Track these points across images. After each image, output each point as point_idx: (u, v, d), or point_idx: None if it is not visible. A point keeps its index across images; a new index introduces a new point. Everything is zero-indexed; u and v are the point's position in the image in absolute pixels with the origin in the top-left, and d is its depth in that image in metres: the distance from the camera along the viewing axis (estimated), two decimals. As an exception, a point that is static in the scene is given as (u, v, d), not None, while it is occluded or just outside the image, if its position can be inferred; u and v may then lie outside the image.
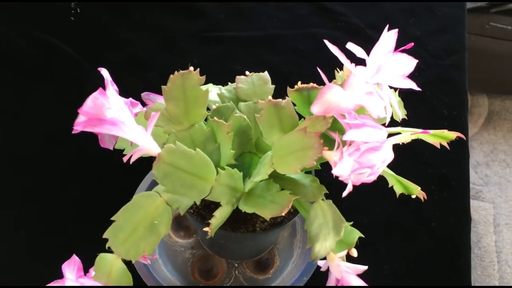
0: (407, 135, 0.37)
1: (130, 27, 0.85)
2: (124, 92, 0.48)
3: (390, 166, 0.56)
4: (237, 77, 0.49)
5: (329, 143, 0.40)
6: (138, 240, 0.39)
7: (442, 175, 0.68)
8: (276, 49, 0.83)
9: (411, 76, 0.87)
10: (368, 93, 0.38)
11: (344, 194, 0.38)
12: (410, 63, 0.37)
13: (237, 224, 0.49)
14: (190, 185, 0.39)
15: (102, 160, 0.63)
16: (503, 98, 1.62)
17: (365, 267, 0.43)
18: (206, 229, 0.40)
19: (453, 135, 0.46)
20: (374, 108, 0.38)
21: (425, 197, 0.51)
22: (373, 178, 0.37)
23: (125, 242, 0.39)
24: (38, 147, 0.69)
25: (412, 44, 0.39)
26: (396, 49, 0.40)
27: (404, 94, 0.77)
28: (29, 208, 0.63)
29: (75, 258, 0.40)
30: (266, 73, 0.49)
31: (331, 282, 0.44)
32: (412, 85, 0.39)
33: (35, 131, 0.71)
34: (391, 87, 0.52)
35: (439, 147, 0.48)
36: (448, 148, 0.48)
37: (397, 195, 0.52)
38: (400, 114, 0.41)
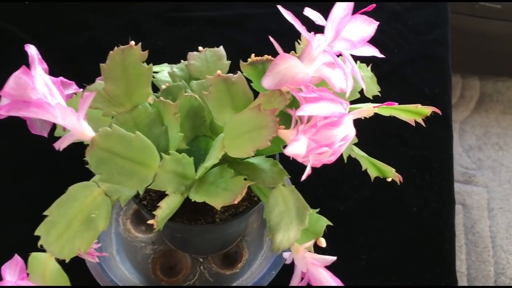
0: (369, 108, 0.34)
1: (90, 9, 0.81)
2: (84, 78, 0.44)
3: (368, 148, 0.53)
4: (189, 53, 0.45)
5: (289, 122, 0.36)
6: (73, 237, 0.35)
7: (424, 157, 0.64)
8: (247, 29, 0.79)
9: (391, 53, 0.83)
10: (328, 64, 0.34)
11: (303, 177, 0.34)
12: (369, 26, 0.33)
13: (195, 216, 0.45)
14: (130, 172, 0.35)
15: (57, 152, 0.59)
16: (495, 79, 1.59)
17: (334, 258, 0.40)
18: (151, 221, 0.36)
19: (427, 110, 0.43)
20: (335, 80, 0.34)
21: (401, 180, 0.48)
22: (333, 158, 0.33)
23: (59, 240, 0.35)
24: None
25: (374, 5, 0.35)
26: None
27: (384, 72, 0.74)
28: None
29: (17, 259, 0.36)
30: (221, 48, 0.45)
31: (296, 275, 0.40)
32: (374, 52, 0.35)
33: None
34: (358, 60, 0.49)
35: (414, 124, 0.45)
36: (424, 125, 0.44)
37: (372, 179, 0.49)
38: (364, 88, 0.37)
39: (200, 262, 0.53)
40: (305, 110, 0.31)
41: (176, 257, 0.54)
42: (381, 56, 0.36)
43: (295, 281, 0.40)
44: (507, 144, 1.52)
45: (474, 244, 1.32)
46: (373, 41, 0.82)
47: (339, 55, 0.35)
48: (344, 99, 0.33)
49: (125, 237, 0.55)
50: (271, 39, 0.35)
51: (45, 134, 0.40)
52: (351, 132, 0.32)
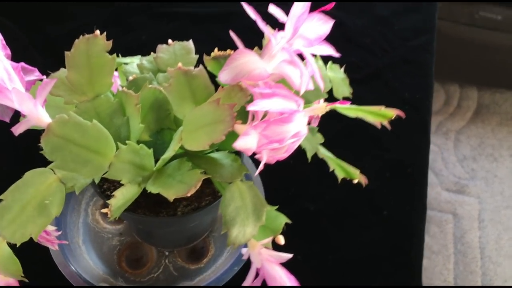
0: (322, 106, 0.34)
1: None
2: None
3: (342, 150, 0.53)
4: (158, 45, 0.45)
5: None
6: (26, 222, 0.35)
7: (399, 162, 0.64)
8: (232, 27, 0.79)
9: (374, 57, 0.83)
10: (289, 62, 0.35)
11: (256, 173, 0.34)
12: (325, 24, 0.33)
13: (158, 208, 0.45)
14: (84, 160, 0.35)
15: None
16: (493, 91, 1.60)
17: (290, 256, 0.40)
18: (104, 210, 0.36)
19: (391, 113, 0.43)
20: (294, 78, 0.34)
21: (367, 182, 0.48)
22: (286, 155, 0.33)
23: (11, 224, 0.35)
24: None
25: (333, 4, 0.35)
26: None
27: (365, 75, 0.75)
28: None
29: None
30: (190, 41, 0.46)
31: (251, 272, 0.40)
32: (330, 51, 0.35)
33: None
34: (330, 61, 0.49)
35: (379, 127, 0.45)
36: (389, 127, 0.44)
37: (339, 180, 0.49)
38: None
39: (165, 255, 0.54)
40: (256, 105, 0.31)
41: (142, 249, 0.54)
42: (337, 55, 0.36)
43: (249, 277, 0.40)
44: (501, 156, 1.52)
45: (462, 254, 1.32)
46: (357, 44, 0.83)
47: (300, 54, 0.36)
48: (299, 97, 0.33)
49: (93, 227, 0.55)
50: (232, 34, 0.35)
51: (7, 120, 0.40)
52: (303, 129, 0.32)
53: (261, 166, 0.34)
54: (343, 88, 0.49)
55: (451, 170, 1.59)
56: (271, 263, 0.40)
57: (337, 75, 0.49)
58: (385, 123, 0.44)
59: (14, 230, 0.35)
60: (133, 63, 0.47)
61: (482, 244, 1.37)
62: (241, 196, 0.39)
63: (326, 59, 0.47)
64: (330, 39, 0.81)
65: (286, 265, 0.40)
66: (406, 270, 0.56)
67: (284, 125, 0.31)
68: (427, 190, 0.63)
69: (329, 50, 0.35)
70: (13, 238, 0.35)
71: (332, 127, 0.65)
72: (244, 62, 0.34)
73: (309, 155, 0.45)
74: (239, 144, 0.31)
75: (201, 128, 0.36)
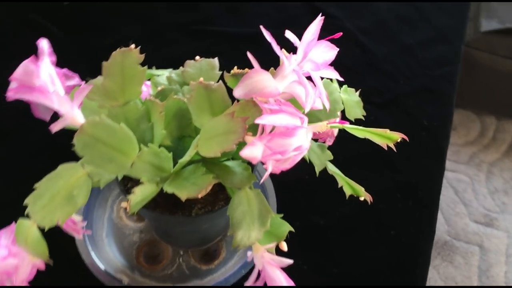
0: (323, 124, 0.37)
1: (121, 14, 0.87)
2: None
3: (356, 170, 0.56)
4: (187, 61, 0.49)
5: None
6: (54, 209, 0.39)
7: (411, 184, 0.66)
8: (261, 47, 0.83)
9: (396, 84, 0.86)
10: (297, 82, 0.38)
11: (262, 180, 0.37)
12: (331, 51, 0.36)
13: (175, 209, 0.49)
14: (109, 158, 0.39)
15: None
16: (531, 125, 1.58)
17: (290, 261, 0.42)
18: (124, 204, 0.40)
19: (396, 136, 0.45)
20: (301, 97, 0.38)
21: (372, 200, 0.50)
22: (288, 166, 0.36)
23: (42, 210, 0.39)
24: (14, 122, 0.71)
25: (341, 33, 0.38)
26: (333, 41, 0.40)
27: (386, 100, 0.77)
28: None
29: (14, 226, 0.41)
30: (216, 59, 0.49)
31: (254, 273, 0.43)
32: (335, 75, 0.38)
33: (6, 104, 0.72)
34: (345, 85, 0.52)
35: (386, 148, 0.47)
36: (395, 150, 0.46)
37: (347, 196, 0.51)
38: (328, 106, 0.40)
39: (180, 254, 0.57)
40: (263, 119, 0.34)
41: (159, 247, 0.58)
42: (341, 79, 0.39)
43: (252, 278, 0.43)
44: (534, 192, 1.50)
45: (487, 287, 1.30)
46: (380, 69, 0.85)
47: (309, 77, 0.39)
48: (304, 115, 0.36)
49: (116, 223, 0.59)
50: (249, 54, 0.39)
51: (47, 119, 0.45)
52: (305, 143, 0.35)
53: (266, 175, 0.37)
54: (356, 110, 0.52)
55: (481, 202, 1.57)
56: (272, 267, 0.42)
57: (351, 98, 0.52)
58: (391, 145, 0.46)
59: (44, 216, 0.39)
60: (164, 75, 0.51)
61: (508, 279, 1.34)
62: (248, 202, 0.42)
63: (342, 83, 0.50)
64: (353, 63, 0.84)
65: (292, 273, 0.42)
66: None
67: (287, 139, 0.34)
68: (437, 214, 0.64)
69: (334, 75, 0.38)
70: (42, 222, 0.39)
71: (350, 148, 0.68)
72: (258, 80, 0.37)
73: (318, 170, 0.48)
74: (245, 153, 0.34)
75: (216, 137, 0.39)
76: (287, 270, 0.42)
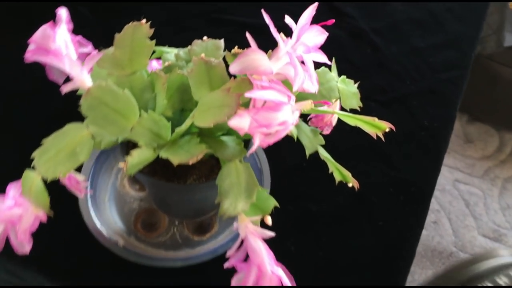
0: (308, 103, 0.39)
1: (146, 1, 0.90)
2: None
3: (354, 163, 0.57)
4: (194, 40, 0.51)
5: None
6: (58, 163, 0.42)
7: (404, 180, 0.67)
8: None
9: (402, 83, 0.87)
10: (289, 64, 0.40)
11: (249, 152, 0.40)
12: (320, 35, 0.38)
13: (172, 178, 0.51)
14: (111, 120, 0.42)
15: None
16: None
17: (272, 234, 0.45)
18: (121, 164, 0.43)
19: (384, 125, 0.47)
20: (292, 79, 0.40)
21: (358, 187, 0.52)
22: (273, 140, 0.39)
23: (47, 163, 0.42)
24: (31, 87, 0.74)
25: (333, 21, 0.40)
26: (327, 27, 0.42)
27: (389, 99, 0.78)
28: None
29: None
30: (221, 40, 0.52)
31: (237, 242, 0.45)
32: (323, 58, 0.40)
33: (30, 72, 0.76)
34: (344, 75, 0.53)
35: (375, 137, 0.49)
36: (383, 139, 0.48)
37: (336, 182, 0.53)
38: (316, 89, 0.42)
39: (175, 224, 0.60)
40: (252, 93, 0.37)
41: (156, 216, 0.61)
42: (329, 63, 0.41)
43: (234, 246, 0.46)
44: (547, 212, 1.50)
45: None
46: (388, 69, 0.87)
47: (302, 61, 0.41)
48: (292, 94, 0.39)
49: (119, 190, 0.62)
50: (248, 35, 0.41)
51: (61, 81, 0.48)
52: (289, 119, 0.37)
53: (254, 147, 0.39)
54: (352, 101, 0.53)
55: (491, 217, 1.57)
56: (255, 237, 0.45)
57: (348, 88, 0.53)
58: (380, 134, 0.48)
59: (47, 168, 0.42)
60: (172, 52, 0.54)
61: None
62: (237, 173, 0.44)
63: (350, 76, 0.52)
64: (363, 61, 0.86)
65: (278, 253, 0.44)
66: (390, 278, 0.59)
67: (273, 113, 0.36)
68: (427, 212, 0.66)
69: (322, 58, 0.40)
70: (46, 174, 0.42)
71: (349, 141, 0.70)
72: (253, 58, 0.39)
73: (308, 152, 0.50)
74: (233, 122, 0.37)
75: (211, 109, 0.41)
76: (274, 249, 0.44)
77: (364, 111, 0.72)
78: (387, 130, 0.48)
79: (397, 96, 0.77)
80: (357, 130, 0.50)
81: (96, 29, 0.84)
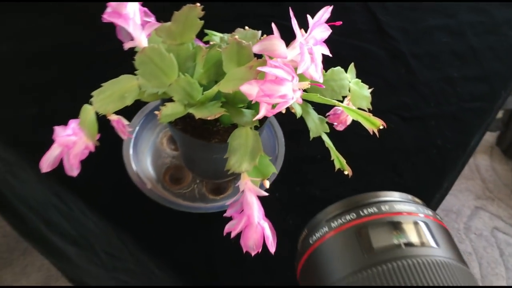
0: (305, 83, 0.46)
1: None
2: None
3: (363, 164, 0.64)
4: (237, 28, 0.61)
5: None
6: (109, 102, 0.52)
7: (405, 187, 0.73)
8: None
9: (426, 105, 0.93)
10: (302, 54, 0.48)
11: (254, 118, 0.48)
12: (326, 32, 0.46)
13: (199, 137, 0.61)
14: (156, 75, 0.51)
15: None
16: None
17: (266, 193, 0.52)
18: (156, 112, 0.52)
19: (378, 122, 0.53)
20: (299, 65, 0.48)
21: (351, 174, 0.58)
22: (276, 111, 0.47)
23: (101, 101, 0.52)
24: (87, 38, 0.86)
25: (340, 22, 0.48)
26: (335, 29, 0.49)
27: (411, 115, 0.84)
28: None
29: None
30: (259, 32, 0.61)
31: (237, 196, 0.54)
32: (326, 51, 0.47)
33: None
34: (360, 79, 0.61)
35: (372, 133, 0.55)
36: (378, 135, 0.55)
37: (336, 169, 0.60)
38: (319, 77, 0.49)
39: (196, 182, 0.69)
40: (263, 68, 0.45)
41: (183, 172, 0.70)
42: (330, 55, 0.49)
43: (234, 199, 0.54)
44: None
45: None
46: (417, 91, 0.92)
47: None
48: (297, 75, 0.47)
49: (157, 146, 0.73)
50: (273, 25, 0.50)
51: (125, 41, 0.59)
52: (289, 94, 0.45)
53: (260, 114, 0.47)
54: (362, 102, 0.60)
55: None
56: (251, 193, 0.53)
57: (360, 91, 0.60)
58: (375, 130, 0.55)
59: (101, 105, 0.52)
60: (219, 36, 0.63)
61: None
62: (246, 137, 0.52)
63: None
64: (395, 80, 0.91)
65: (278, 225, 0.51)
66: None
67: (276, 86, 0.45)
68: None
69: (325, 50, 0.48)
70: (99, 109, 0.52)
71: (363, 145, 0.76)
72: (273, 43, 0.48)
73: (312, 135, 0.57)
74: (244, 87, 0.45)
75: (233, 80, 0.50)
76: (274, 220, 0.51)
77: (385, 121, 0.79)
78: (381, 127, 0.54)
79: (419, 115, 0.82)
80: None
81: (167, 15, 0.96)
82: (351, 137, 0.76)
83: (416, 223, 0.37)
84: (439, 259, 0.33)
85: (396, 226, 0.37)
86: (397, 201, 0.40)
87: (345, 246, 0.37)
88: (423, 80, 0.89)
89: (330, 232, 0.40)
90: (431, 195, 0.73)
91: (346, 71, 0.60)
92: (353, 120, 0.60)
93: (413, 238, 0.35)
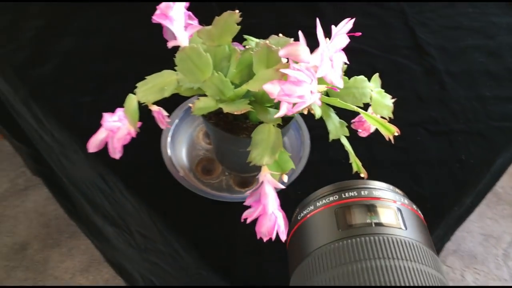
0: (322, 86, 0.50)
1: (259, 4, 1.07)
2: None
3: (385, 169, 0.66)
4: (272, 35, 0.65)
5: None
6: (150, 93, 0.58)
7: (423, 196, 0.74)
8: (357, 61, 0.95)
9: (455, 121, 0.94)
10: (322, 59, 0.52)
11: (276, 115, 0.52)
12: (345, 40, 0.50)
13: (230, 131, 0.66)
14: (192, 72, 0.57)
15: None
16: None
17: (283, 186, 0.56)
18: (190, 104, 0.58)
19: (393, 128, 0.56)
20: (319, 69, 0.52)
21: (366, 177, 0.61)
22: (295, 110, 0.51)
23: (144, 91, 0.58)
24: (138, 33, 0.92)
25: (360, 34, 0.51)
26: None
27: (438, 130, 0.85)
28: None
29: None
30: (292, 39, 0.65)
31: (256, 186, 0.58)
32: (344, 57, 0.51)
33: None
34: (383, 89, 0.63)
35: (387, 140, 0.58)
36: (393, 142, 0.57)
37: (353, 172, 0.63)
38: (340, 83, 0.53)
39: (225, 174, 0.74)
40: (285, 70, 0.50)
41: (214, 165, 0.75)
42: (347, 62, 0.52)
43: (253, 189, 0.58)
44: None
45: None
46: (447, 106, 0.93)
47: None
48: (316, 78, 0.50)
49: (193, 139, 0.78)
50: (300, 33, 0.54)
51: (169, 40, 0.65)
52: (307, 95, 0.49)
53: (280, 112, 0.52)
54: (383, 110, 0.63)
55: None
56: (269, 185, 0.57)
57: (382, 100, 0.63)
58: (391, 137, 0.57)
59: (143, 95, 0.58)
60: (255, 41, 0.68)
61: None
62: (269, 133, 0.57)
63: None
64: (427, 94, 0.93)
65: (290, 213, 0.55)
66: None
67: (295, 87, 0.49)
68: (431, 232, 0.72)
69: (343, 57, 0.51)
70: (141, 98, 0.58)
71: (388, 154, 0.78)
72: (297, 49, 0.52)
73: (331, 137, 0.61)
74: (267, 86, 0.50)
75: (260, 80, 0.55)
76: (286, 208, 0.55)
77: (411, 133, 0.81)
78: (396, 134, 0.57)
79: (446, 130, 0.84)
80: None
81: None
82: (376, 146, 0.78)
83: (389, 208, 0.43)
84: (404, 238, 0.38)
85: (370, 209, 0.42)
86: (377, 189, 0.46)
87: (324, 222, 0.44)
88: (455, 97, 0.89)
89: (314, 210, 0.46)
90: (449, 206, 0.74)
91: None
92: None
93: (384, 219, 0.41)
